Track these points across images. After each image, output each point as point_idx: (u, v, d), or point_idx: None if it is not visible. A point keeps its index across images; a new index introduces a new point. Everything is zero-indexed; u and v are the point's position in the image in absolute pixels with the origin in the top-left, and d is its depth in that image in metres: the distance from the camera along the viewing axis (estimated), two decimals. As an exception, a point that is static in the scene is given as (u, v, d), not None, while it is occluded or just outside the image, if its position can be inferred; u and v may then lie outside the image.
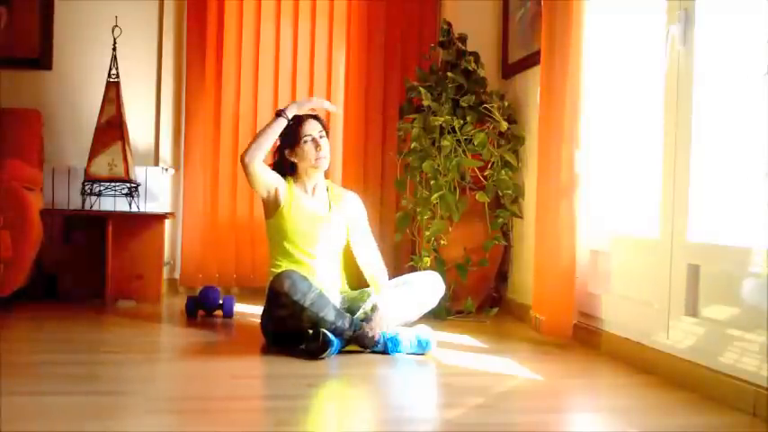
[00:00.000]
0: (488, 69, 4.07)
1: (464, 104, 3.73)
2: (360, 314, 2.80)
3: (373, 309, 2.74)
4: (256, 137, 2.96)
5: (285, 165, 3.03)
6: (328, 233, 3.00)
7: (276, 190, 2.99)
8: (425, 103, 3.75)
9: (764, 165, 2.25)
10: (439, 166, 3.67)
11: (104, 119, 3.97)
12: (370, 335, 2.72)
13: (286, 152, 3.01)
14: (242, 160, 2.91)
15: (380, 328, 2.73)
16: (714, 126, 2.42)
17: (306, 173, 3.02)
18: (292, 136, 2.97)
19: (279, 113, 2.97)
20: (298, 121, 2.98)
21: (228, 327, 3.39)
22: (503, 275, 4.08)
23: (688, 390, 2.32)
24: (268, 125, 2.97)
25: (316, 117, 3.04)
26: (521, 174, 3.87)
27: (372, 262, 3.02)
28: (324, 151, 2.97)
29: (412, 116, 3.84)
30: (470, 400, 2.19)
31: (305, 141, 2.95)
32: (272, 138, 2.95)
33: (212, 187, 4.34)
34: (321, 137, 2.97)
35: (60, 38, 4.29)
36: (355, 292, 3.05)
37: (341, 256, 3.08)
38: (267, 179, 2.97)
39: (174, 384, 2.41)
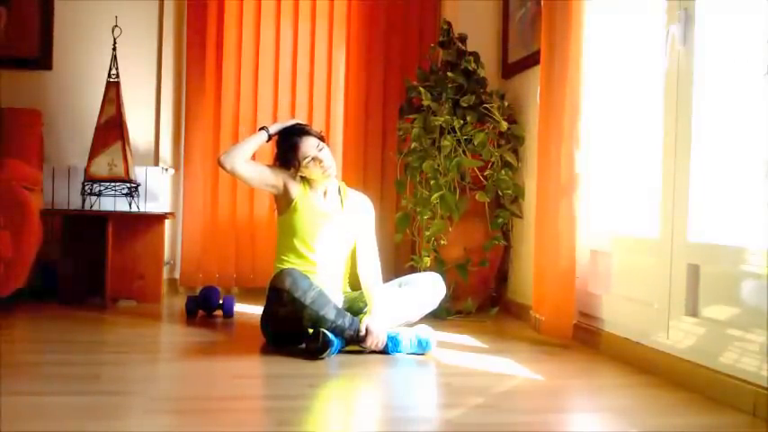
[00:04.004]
0: (488, 69, 4.07)
1: (464, 104, 3.73)
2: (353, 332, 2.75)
3: (367, 332, 2.72)
4: (235, 143, 2.98)
5: (290, 166, 3.01)
6: (337, 233, 2.99)
7: (285, 186, 2.98)
8: (425, 103, 3.75)
9: (764, 165, 2.25)
10: (439, 166, 3.67)
11: (104, 119, 3.97)
12: (367, 351, 2.74)
13: (291, 171, 3.00)
14: (218, 162, 2.95)
15: (374, 347, 2.73)
16: (714, 126, 2.43)
17: (317, 181, 3.01)
18: (293, 159, 2.95)
19: (261, 128, 3.05)
20: (293, 146, 2.95)
21: (228, 327, 3.39)
22: (503, 275, 4.08)
23: (688, 390, 2.32)
24: (249, 136, 3.06)
25: (308, 132, 3.00)
26: (521, 174, 3.88)
27: (371, 273, 2.94)
28: (326, 162, 2.94)
29: (412, 116, 3.84)
30: (470, 400, 2.19)
31: (307, 164, 2.93)
32: (250, 144, 2.98)
33: (212, 187, 4.34)
34: (320, 150, 2.94)
35: (60, 38, 4.29)
36: (355, 293, 3.05)
37: (347, 257, 3.07)
38: (262, 176, 2.97)
39: (174, 384, 2.41)
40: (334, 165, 2.99)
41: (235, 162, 2.92)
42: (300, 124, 3.07)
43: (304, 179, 3.01)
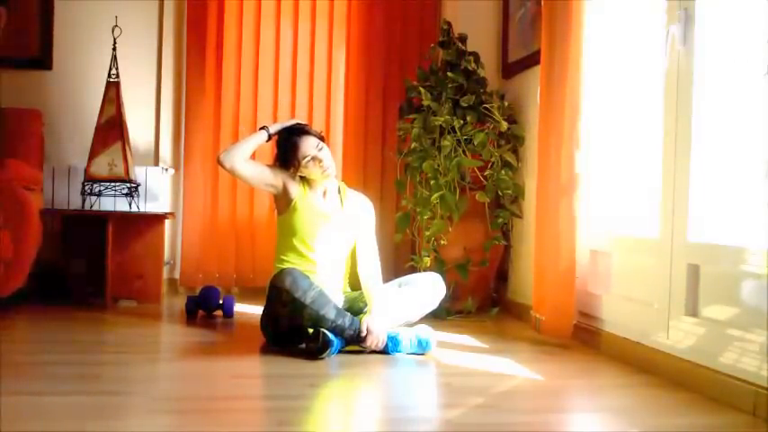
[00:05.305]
0: (488, 69, 4.08)
1: (464, 104, 3.73)
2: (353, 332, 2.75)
3: (367, 332, 2.72)
4: (235, 142, 2.98)
5: (289, 166, 3.01)
6: (337, 233, 2.99)
7: (284, 186, 2.98)
8: (425, 103, 3.75)
9: (764, 165, 2.25)
10: (439, 166, 3.67)
11: (104, 119, 3.97)
12: (367, 351, 2.74)
13: (291, 171, 3.00)
14: (218, 161, 2.96)
15: (374, 347, 2.73)
16: (714, 126, 2.43)
17: (316, 181, 3.01)
18: (294, 160, 2.95)
19: (261, 128, 3.06)
20: (293, 145, 2.95)
21: (228, 327, 3.39)
22: (503, 275, 4.08)
23: (688, 390, 2.32)
24: (249, 136, 3.06)
25: (308, 131, 3.00)
26: (521, 174, 3.88)
27: (371, 273, 2.94)
28: (326, 162, 2.95)
29: (412, 116, 3.84)
30: (470, 400, 2.20)
31: (306, 163, 2.94)
32: (250, 144, 2.99)
33: (212, 187, 4.34)
34: (320, 149, 2.94)
35: (60, 38, 4.29)
36: (355, 293, 3.05)
37: (347, 257, 3.07)
38: (261, 175, 2.97)
39: (174, 384, 2.41)
40: (333, 165, 2.99)
41: (234, 161, 2.93)
42: (300, 124, 3.07)
43: (303, 179, 3.01)
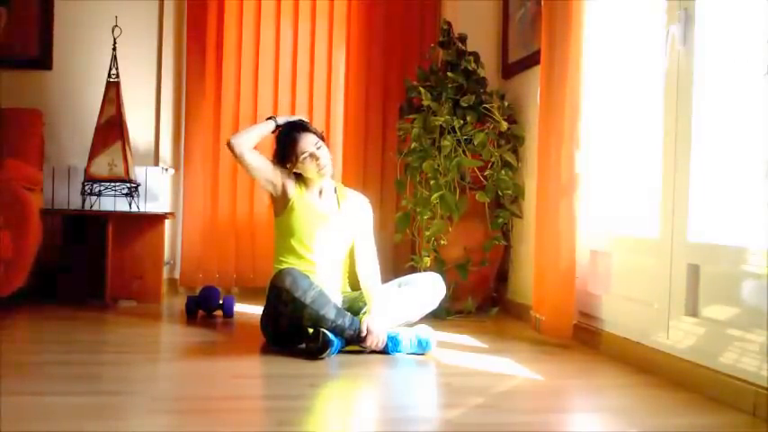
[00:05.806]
0: (488, 69, 4.08)
1: (464, 104, 3.73)
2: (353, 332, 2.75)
3: (367, 332, 2.72)
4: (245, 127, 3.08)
5: (286, 161, 3.01)
6: (334, 234, 2.99)
7: (283, 186, 2.98)
8: (425, 103, 3.75)
9: (764, 165, 2.25)
10: (439, 166, 3.67)
11: (104, 119, 3.97)
12: (367, 351, 2.74)
13: (288, 166, 3.00)
14: (228, 143, 2.97)
15: (374, 347, 2.73)
16: (714, 126, 2.43)
17: (312, 180, 3.01)
18: (291, 155, 2.96)
19: (269, 118, 3.10)
20: (292, 140, 2.96)
21: (228, 327, 3.39)
22: (503, 275, 4.08)
23: (688, 390, 2.32)
24: (258, 124, 3.12)
25: (308, 129, 3.01)
26: (521, 174, 3.88)
27: (370, 273, 2.95)
28: (323, 160, 2.95)
29: (412, 116, 3.84)
30: (470, 400, 2.20)
31: (304, 159, 2.94)
32: (258, 131, 3.03)
33: (212, 187, 4.34)
34: (318, 147, 2.95)
35: (60, 38, 4.29)
36: (355, 293, 3.05)
37: (345, 257, 3.07)
38: (265, 169, 2.97)
39: (174, 384, 2.41)
40: (330, 164, 2.99)
41: (243, 148, 2.94)
42: (303, 121, 3.08)
43: (300, 179, 3.01)
